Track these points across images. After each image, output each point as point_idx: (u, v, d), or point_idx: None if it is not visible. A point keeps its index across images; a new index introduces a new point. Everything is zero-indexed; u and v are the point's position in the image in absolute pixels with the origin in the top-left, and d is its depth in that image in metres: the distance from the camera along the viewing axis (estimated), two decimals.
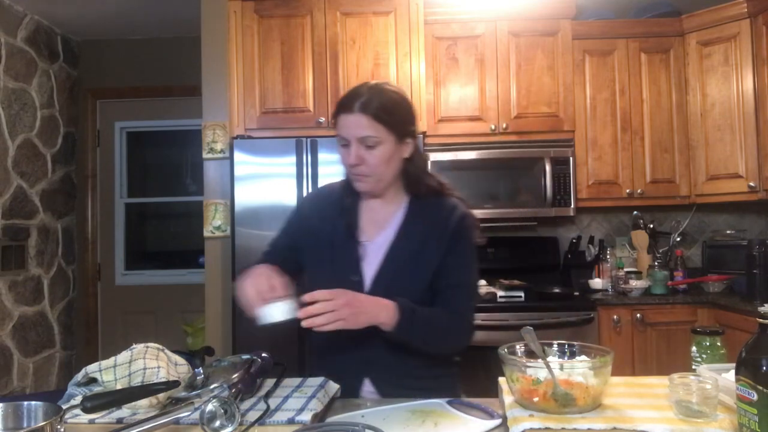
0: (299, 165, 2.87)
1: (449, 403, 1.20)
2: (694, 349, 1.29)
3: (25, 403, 0.99)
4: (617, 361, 1.11)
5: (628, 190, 3.33)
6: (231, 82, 3.08)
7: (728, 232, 3.43)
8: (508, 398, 1.13)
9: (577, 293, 3.18)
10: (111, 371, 1.22)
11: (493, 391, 1.26)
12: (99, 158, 4.34)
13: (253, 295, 1.24)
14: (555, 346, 1.23)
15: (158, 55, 4.22)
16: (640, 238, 3.45)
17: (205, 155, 3.08)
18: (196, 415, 1.03)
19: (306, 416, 1.09)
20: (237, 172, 2.88)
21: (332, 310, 1.19)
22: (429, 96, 3.25)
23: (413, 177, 1.44)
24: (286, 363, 1.36)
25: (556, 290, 3.15)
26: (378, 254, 1.40)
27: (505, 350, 1.14)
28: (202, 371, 1.21)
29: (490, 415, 1.11)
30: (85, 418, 1.13)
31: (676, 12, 3.39)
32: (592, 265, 3.38)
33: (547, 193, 3.21)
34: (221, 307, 3.03)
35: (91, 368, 1.24)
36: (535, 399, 1.06)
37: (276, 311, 1.21)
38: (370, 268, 1.39)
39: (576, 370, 1.07)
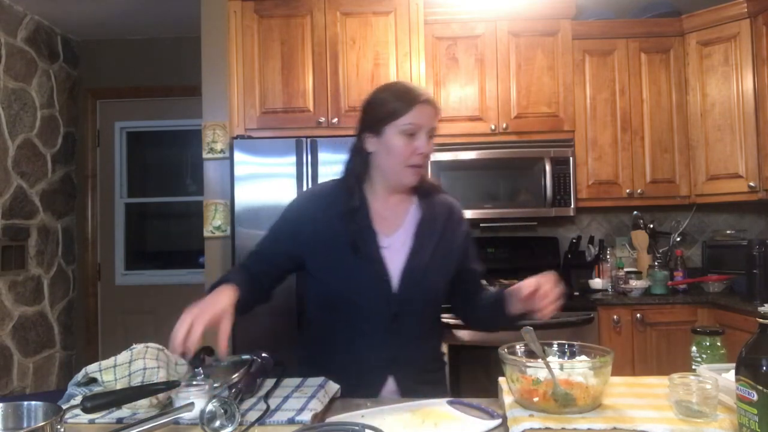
0: (299, 165, 2.87)
1: (449, 403, 1.20)
2: (694, 349, 1.29)
3: (25, 403, 0.99)
4: (617, 361, 1.11)
5: (628, 190, 3.33)
6: (231, 82, 3.08)
7: (728, 232, 3.43)
8: (508, 398, 1.13)
9: (577, 293, 3.18)
10: (111, 371, 1.22)
11: (493, 391, 1.26)
12: (99, 158, 4.34)
13: (180, 336, 1.13)
14: (555, 346, 1.23)
15: (158, 55, 4.22)
16: (640, 238, 3.45)
17: (205, 155, 3.08)
18: (196, 414, 1.03)
19: (306, 416, 1.09)
20: (237, 172, 2.88)
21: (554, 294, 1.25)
22: None
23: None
24: (286, 363, 1.36)
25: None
26: (400, 252, 1.41)
27: (505, 350, 1.14)
28: (202, 371, 1.21)
29: (490, 415, 1.11)
30: (85, 418, 1.13)
31: (676, 12, 3.39)
32: (592, 265, 3.38)
33: (547, 193, 3.21)
34: None
35: (91, 368, 1.24)
36: (535, 399, 1.06)
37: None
38: (394, 266, 1.39)
39: (576, 370, 1.07)
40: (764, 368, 0.88)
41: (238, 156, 2.88)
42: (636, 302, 3.04)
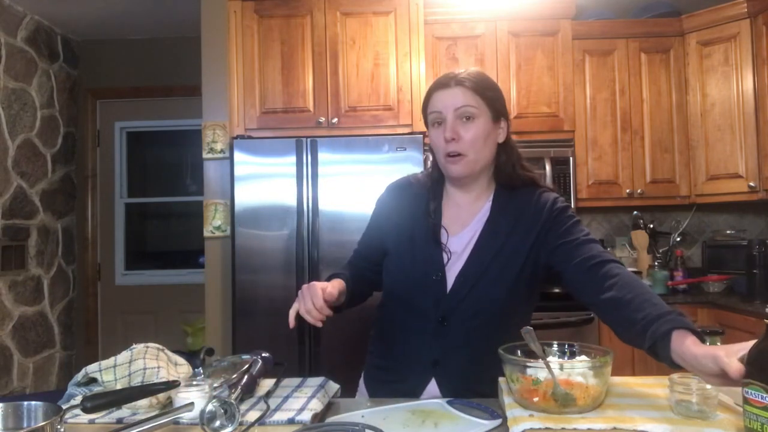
0: (299, 165, 2.87)
1: (449, 403, 1.20)
2: None
3: (25, 403, 0.99)
4: (617, 361, 1.11)
5: (628, 190, 3.33)
6: (231, 82, 3.08)
7: (728, 232, 3.43)
8: (508, 398, 1.13)
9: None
10: (111, 371, 1.22)
11: (493, 391, 1.26)
12: (99, 158, 4.34)
13: (309, 303, 1.20)
14: (555, 346, 1.23)
15: (158, 55, 4.22)
16: (640, 238, 3.45)
17: (205, 155, 3.08)
18: (196, 414, 1.03)
19: (306, 416, 1.09)
20: (237, 172, 2.88)
21: None
22: None
23: (506, 166, 1.38)
24: (286, 363, 1.36)
25: (556, 290, 3.15)
26: (462, 252, 1.35)
27: (505, 350, 1.14)
28: (202, 371, 1.21)
29: (490, 415, 1.11)
30: (85, 418, 1.13)
31: (676, 12, 3.39)
32: None
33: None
34: (221, 307, 3.03)
35: (91, 368, 1.24)
36: (535, 399, 1.06)
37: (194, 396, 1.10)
38: (453, 266, 1.34)
39: (576, 370, 1.07)
40: None
41: (238, 156, 2.88)
42: None
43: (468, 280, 1.32)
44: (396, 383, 1.37)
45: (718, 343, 1.28)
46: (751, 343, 0.92)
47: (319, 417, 1.13)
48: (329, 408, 1.21)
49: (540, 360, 1.09)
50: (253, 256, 2.84)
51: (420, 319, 1.35)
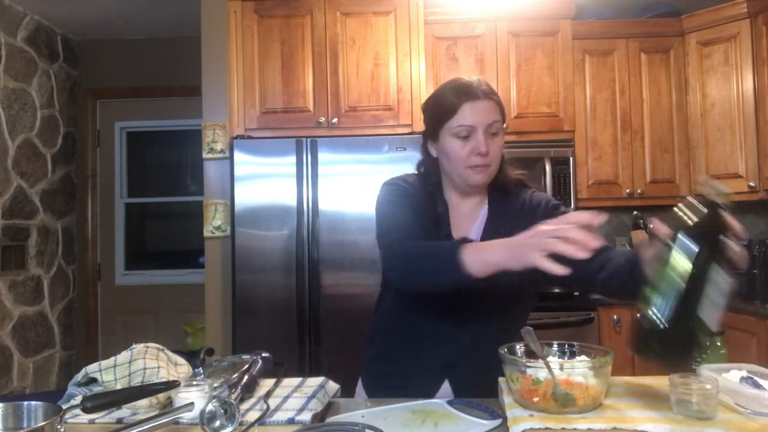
0: (299, 165, 2.87)
1: (449, 403, 1.20)
2: None
3: (25, 403, 0.99)
4: (617, 361, 1.11)
5: (628, 190, 3.33)
6: (231, 82, 3.08)
7: None
8: (508, 398, 1.13)
9: (577, 293, 3.18)
10: (111, 371, 1.22)
11: (493, 391, 1.26)
12: (99, 158, 4.35)
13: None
14: (555, 346, 1.23)
15: (158, 55, 4.22)
16: (640, 238, 3.44)
17: (205, 155, 3.08)
18: (196, 414, 1.03)
19: (306, 416, 1.09)
20: (237, 172, 2.88)
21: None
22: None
23: (502, 168, 1.38)
24: (286, 363, 1.36)
25: (556, 290, 3.15)
26: None
27: (505, 350, 1.14)
28: (202, 371, 1.21)
29: (490, 415, 1.11)
30: (85, 418, 1.13)
31: (676, 12, 3.39)
32: None
33: (547, 193, 3.20)
34: (221, 307, 3.03)
35: (91, 368, 1.24)
36: (535, 399, 1.06)
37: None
38: None
39: (576, 370, 1.07)
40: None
41: (238, 156, 2.88)
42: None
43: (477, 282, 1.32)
44: (405, 389, 1.31)
45: (718, 344, 1.28)
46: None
47: (319, 417, 1.13)
48: (329, 408, 1.21)
49: (540, 360, 1.09)
50: (253, 256, 2.84)
51: (433, 320, 1.35)
